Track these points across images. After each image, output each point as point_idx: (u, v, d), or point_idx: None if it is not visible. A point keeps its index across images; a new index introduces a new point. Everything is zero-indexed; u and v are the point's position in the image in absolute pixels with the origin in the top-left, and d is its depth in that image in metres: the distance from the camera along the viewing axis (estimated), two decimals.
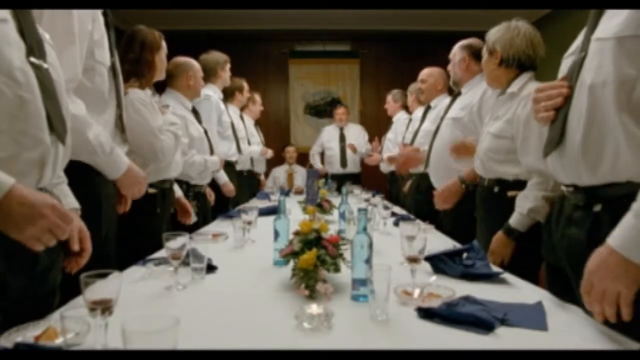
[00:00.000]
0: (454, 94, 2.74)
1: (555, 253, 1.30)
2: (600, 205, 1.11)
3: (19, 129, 1.00)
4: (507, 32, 1.96)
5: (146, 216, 2.07)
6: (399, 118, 4.64)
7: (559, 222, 1.27)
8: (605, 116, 1.05)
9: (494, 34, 1.99)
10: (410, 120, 4.05)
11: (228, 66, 3.53)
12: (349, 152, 5.33)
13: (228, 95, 3.97)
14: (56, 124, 1.10)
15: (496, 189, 1.97)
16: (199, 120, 2.94)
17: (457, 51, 2.65)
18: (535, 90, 1.27)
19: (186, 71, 2.81)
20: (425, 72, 3.44)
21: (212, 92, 3.40)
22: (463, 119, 2.52)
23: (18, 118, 1.00)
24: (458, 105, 2.61)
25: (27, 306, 1.05)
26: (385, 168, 4.72)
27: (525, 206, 1.72)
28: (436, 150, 2.64)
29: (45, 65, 1.09)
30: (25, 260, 1.06)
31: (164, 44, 2.28)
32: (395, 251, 1.47)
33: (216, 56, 3.45)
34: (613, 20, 1.05)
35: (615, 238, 0.94)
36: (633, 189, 0.98)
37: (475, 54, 2.52)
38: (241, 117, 4.30)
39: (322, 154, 5.68)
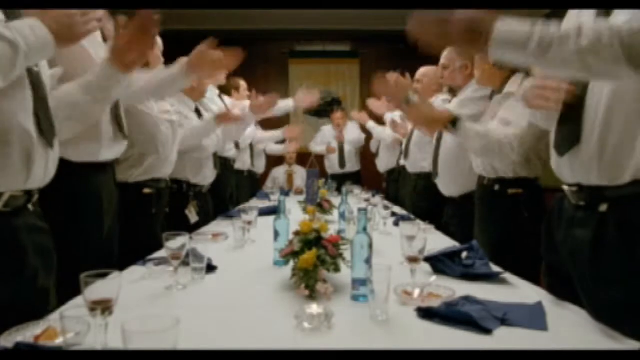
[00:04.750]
0: (451, 100, 2.73)
1: (555, 253, 1.30)
2: (607, 206, 1.08)
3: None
4: None
5: (141, 217, 2.06)
6: (394, 115, 4.64)
7: (560, 223, 1.26)
8: (630, 114, 1.01)
9: None
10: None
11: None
12: (347, 152, 5.32)
13: (226, 95, 3.96)
14: (45, 127, 1.11)
15: (497, 187, 1.97)
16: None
17: (456, 58, 2.63)
18: (535, 87, 1.23)
19: None
20: (421, 72, 3.44)
21: None
22: None
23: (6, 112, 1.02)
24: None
25: (17, 311, 1.02)
26: (382, 168, 4.72)
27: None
28: (443, 158, 2.59)
29: (35, 69, 1.10)
30: (10, 266, 1.06)
31: (158, 39, 2.28)
32: (395, 251, 1.47)
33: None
34: (614, 22, 1.03)
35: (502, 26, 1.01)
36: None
37: (472, 59, 2.52)
38: None
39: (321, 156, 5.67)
